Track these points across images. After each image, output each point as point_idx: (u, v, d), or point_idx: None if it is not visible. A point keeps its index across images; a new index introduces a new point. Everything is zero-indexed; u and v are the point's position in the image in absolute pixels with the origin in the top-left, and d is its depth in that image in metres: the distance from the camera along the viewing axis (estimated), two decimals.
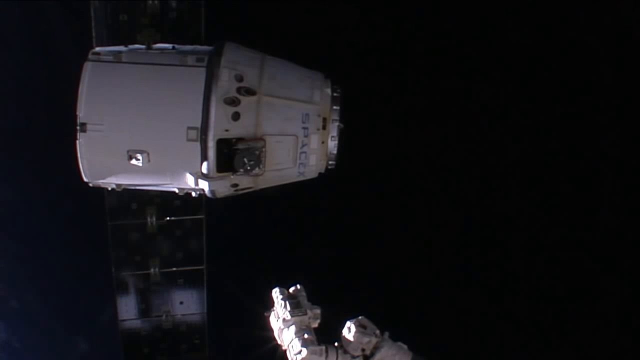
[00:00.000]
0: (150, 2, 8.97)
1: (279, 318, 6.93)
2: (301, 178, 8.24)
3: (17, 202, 14.47)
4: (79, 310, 15.02)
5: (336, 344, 6.80)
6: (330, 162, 8.19)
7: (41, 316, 15.68)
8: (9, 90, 13.30)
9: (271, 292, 7.21)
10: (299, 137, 7.82)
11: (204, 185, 7.76)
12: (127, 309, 11.22)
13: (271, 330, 7.05)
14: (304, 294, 7.14)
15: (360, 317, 6.83)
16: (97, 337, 15.02)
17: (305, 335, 6.65)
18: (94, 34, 8.92)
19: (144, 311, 11.29)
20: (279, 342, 6.96)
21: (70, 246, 14.52)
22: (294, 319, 6.81)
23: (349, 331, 6.72)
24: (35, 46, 13.39)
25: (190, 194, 8.27)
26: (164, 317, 11.35)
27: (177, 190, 8.22)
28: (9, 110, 13.45)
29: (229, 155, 7.65)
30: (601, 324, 13.94)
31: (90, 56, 7.86)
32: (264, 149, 7.66)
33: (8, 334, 15.74)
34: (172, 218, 10.48)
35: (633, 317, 13.72)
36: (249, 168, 7.67)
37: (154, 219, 10.37)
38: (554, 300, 14.18)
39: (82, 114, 7.59)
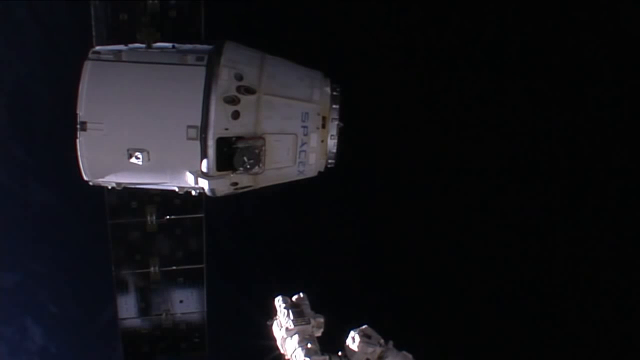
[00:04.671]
0: (150, 1, 8.88)
1: (281, 327, 6.96)
2: (301, 177, 8.27)
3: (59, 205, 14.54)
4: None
5: (340, 353, 6.86)
6: (329, 161, 8.19)
7: (75, 321, 15.81)
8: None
9: (273, 300, 7.24)
10: (299, 136, 7.83)
11: (203, 183, 7.77)
12: (127, 307, 11.24)
13: (274, 339, 7.08)
14: (307, 302, 7.18)
15: (364, 327, 6.88)
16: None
17: (309, 345, 6.67)
18: (94, 33, 8.85)
19: (144, 310, 11.29)
20: (281, 351, 6.99)
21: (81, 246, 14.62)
22: (297, 328, 6.83)
23: (353, 341, 6.76)
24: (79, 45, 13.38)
25: (190, 192, 8.32)
26: (163, 315, 11.35)
27: (177, 189, 8.26)
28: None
29: (229, 154, 7.66)
30: (601, 324, 14.03)
31: (90, 55, 7.87)
32: (263, 148, 7.68)
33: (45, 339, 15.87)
34: (172, 217, 10.47)
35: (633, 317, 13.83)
36: (248, 166, 7.70)
37: (154, 217, 10.34)
38: (554, 301, 14.29)
39: (82, 112, 7.61)
